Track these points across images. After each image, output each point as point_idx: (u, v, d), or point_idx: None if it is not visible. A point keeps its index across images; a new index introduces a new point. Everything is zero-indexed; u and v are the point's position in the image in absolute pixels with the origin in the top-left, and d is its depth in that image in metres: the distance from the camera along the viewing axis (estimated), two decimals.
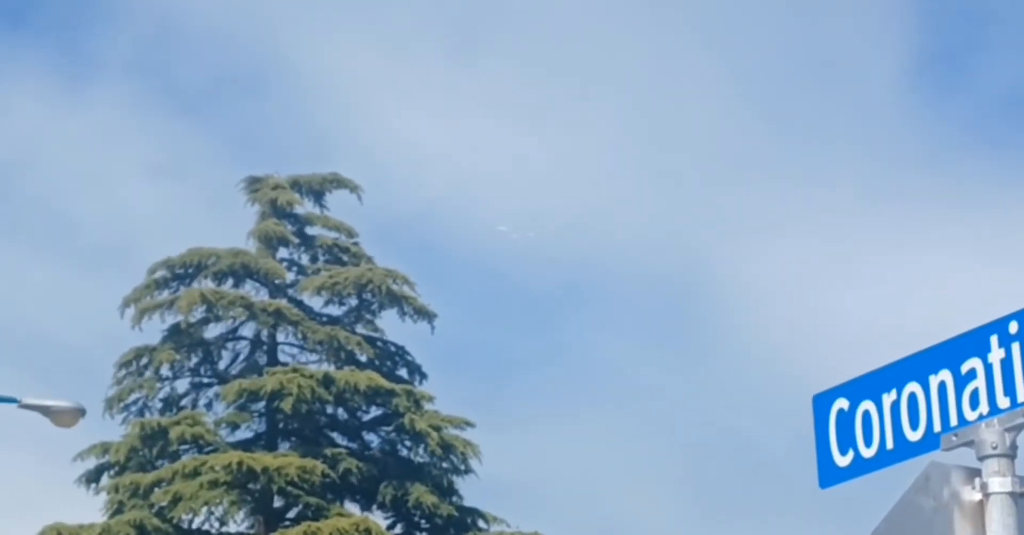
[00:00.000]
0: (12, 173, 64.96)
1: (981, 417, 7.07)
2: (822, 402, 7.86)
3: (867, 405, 7.60)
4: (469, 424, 37.55)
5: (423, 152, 65.67)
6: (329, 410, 37.75)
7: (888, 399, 7.51)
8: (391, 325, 39.05)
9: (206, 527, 36.32)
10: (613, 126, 70.68)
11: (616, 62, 71.23)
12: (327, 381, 36.17)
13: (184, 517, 35.32)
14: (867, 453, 7.54)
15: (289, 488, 34.89)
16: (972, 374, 7.17)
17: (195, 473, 34.96)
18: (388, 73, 69.74)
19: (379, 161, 62.85)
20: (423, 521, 37.12)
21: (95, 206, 64.07)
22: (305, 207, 40.13)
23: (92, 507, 36.45)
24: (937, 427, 7.25)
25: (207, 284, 38.11)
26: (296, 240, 39.56)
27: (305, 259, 39.96)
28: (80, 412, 24.58)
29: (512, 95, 71.61)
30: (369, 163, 63.57)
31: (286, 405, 35.47)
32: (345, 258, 39.40)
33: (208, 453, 35.91)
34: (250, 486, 35.54)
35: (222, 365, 38.93)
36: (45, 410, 23.89)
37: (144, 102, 71.60)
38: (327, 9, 72.89)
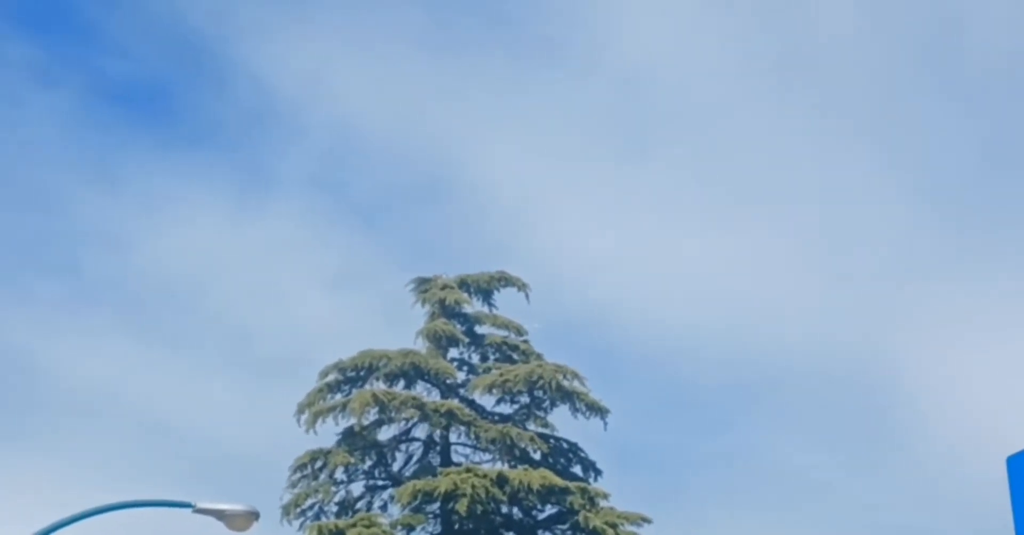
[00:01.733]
0: (192, 288, 66.29)
1: None
2: (1017, 463, 7.44)
3: None
4: (646, 520, 36.92)
5: (592, 254, 65.77)
6: (504, 509, 37.39)
7: None
8: (563, 422, 38.75)
9: None
10: (780, 227, 70.19)
11: (782, 163, 70.87)
12: (501, 480, 35.88)
13: None
14: None
15: None
16: None
17: None
18: (557, 178, 70.29)
19: (549, 263, 62.96)
20: None
21: (271, 318, 64.98)
22: (473, 306, 40.13)
23: None
24: None
25: (379, 386, 38.16)
26: (466, 339, 39.49)
27: (475, 358, 39.86)
28: (254, 515, 24.47)
29: (680, 197, 71.57)
30: (539, 266, 63.75)
31: (460, 506, 35.23)
32: (515, 356, 39.22)
33: None
34: None
35: (396, 467, 38.86)
36: (219, 514, 23.83)
37: (320, 215, 72.83)
38: (497, 120, 73.75)
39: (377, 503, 38.42)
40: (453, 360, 39.41)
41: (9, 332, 64.77)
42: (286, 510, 37.57)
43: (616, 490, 37.76)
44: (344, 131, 72.86)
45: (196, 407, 58.36)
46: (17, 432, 61.99)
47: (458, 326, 39.60)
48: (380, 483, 38.73)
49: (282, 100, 73.90)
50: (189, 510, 23.19)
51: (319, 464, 37.89)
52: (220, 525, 24.21)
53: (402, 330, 39.61)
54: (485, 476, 35.87)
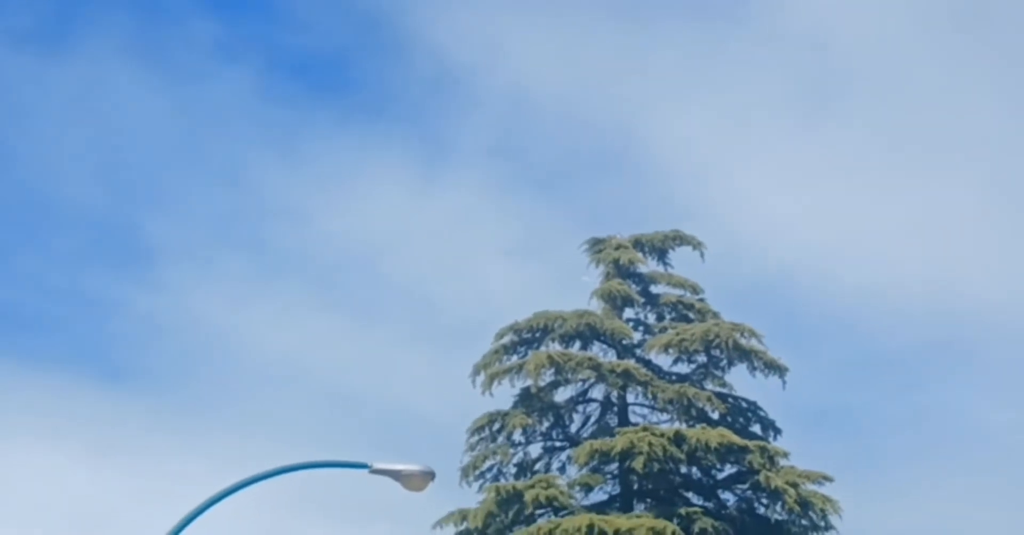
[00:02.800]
0: (376, 259, 66.96)
1: None
2: None
3: None
4: (827, 479, 36.36)
5: (775, 215, 65.05)
6: (682, 469, 37.12)
7: None
8: (741, 381, 38.35)
9: None
10: (970, 186, 68.66)
11: (966, 119, 69.30)
12: (678, 439, 35.63)
13: None
14: None
15: None
16: None
17: None
18: (739, 141, 69.62)
19: (730, 225, 62.35)
20: None
21: (455, 287, 65.38)
22: (648, 266, 39.85)
23: None
24: None
25: (554, 347, 38.09)
26: (641, 299, 39.24)
27: (651, 318, 39.58)
28: (430, 475, 24.50)
29: (863, 156, 70.44)
30: (720, 228, 63.20)
31: (637, 464, 35.06)
32: (691, 315, 38.86)
33: (563, 516, 35.70)
34: None
35: (573, 428, 38.79)
36: (395, 474, 23.89)
37: (500, 183, 73.03)
38: (679, 83, 73.29)
39: (555, 464, 38.43)
40: (628, 320, 39.18)
41: (202, 307, 66.14)
42: (465, 472, 37.72)
43: (796, 450, 37.27)
44: (523, 99, 73.02)
45: (381, 376, 59.17)
46: (210, 401, 63.44)
47: (633, 286, 39.37)
48: (558, 444, 38.70)
49: (460, 69, 74.26)
50: (365, 471, 23.28)
51: (497, 426, 37.94)
52: (397, 486, 24.32)
53: (577, 292, 39.57)
54: (662, 435, 35.64)
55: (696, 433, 35.71)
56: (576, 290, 39.36)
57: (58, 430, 59.94)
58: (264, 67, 76.26)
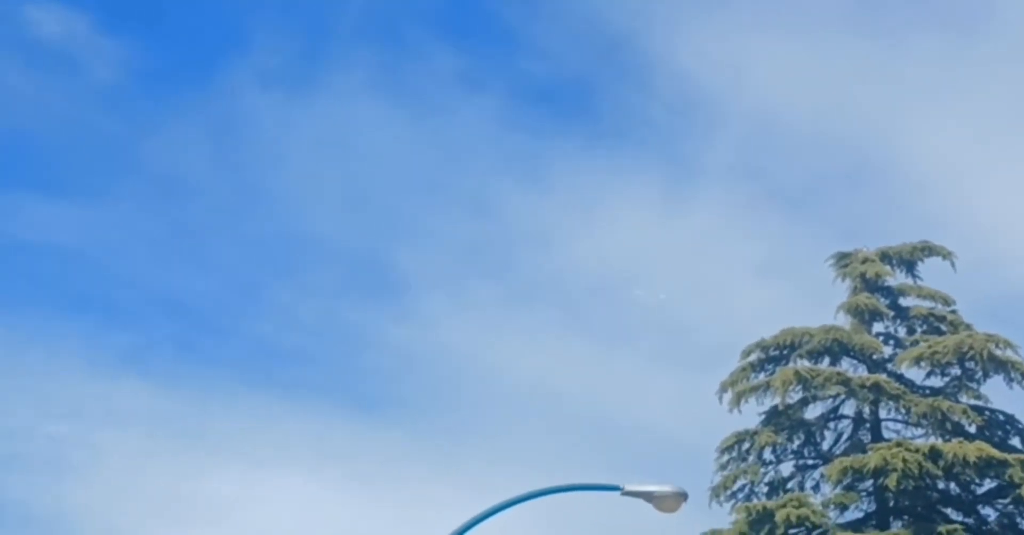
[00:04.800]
0: (623, 284, 67.03)
1: None
2: None
3: None
4: None
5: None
6: (940, 485, 36.25)
7: None
8: (997, 393, 37.33)
9: None
10: None
11: None
12: (934, 454, 34.81)
13: None
14: None
15: None
16: None
17: None
18: (992, 151, 68.22)
19: (985, 238, 60.88)
20: None
21: (702, 308, 65.08)
22: (896, 278, 39.09)
23: None
24: None
25: (802, 363, 37.59)
26: (890, 312, 38.49)
27: (901, 331, 38.77)
28: (682, 496, 24.35)
29: None
30: (974, 241, 61.78)
31: (891, 482, 34.36)
32: (943, 327, 37.97)
33: None
34: None
35: (825, 445, 38.17)
36: (648, 496, 23.80)
37: (747, 203, 72.57)
38: (928, 95, 72.10)
39: (808, 483, 37.85)
40: (878, 334, 38.45)
41: (453, 335, 67.00)
42: (715, 492, 37.41)
43: None
44: (766, 118, 72.48)
45: (629, 398, 59.00)
46: (462, 429, 64.18)
47: (881, 299, 38.64)
48: (810, 462, 38.12)
49: (703, 91, 73.97)
50: (617, 493, 23.23)
51: (745, 445, 37.55)
52: (648, 508, 24.21)
53: (824, 308, 39.01)
54: (917, 450, 34.86)
55: (953, 448, 34.84)
56: (824, 307, 38.83)
57: (316, 460, 61.26)
58: (507, 95, 77.00)
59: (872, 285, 38.69)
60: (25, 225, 70.63)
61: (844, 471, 35.24)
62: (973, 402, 36.94)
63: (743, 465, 37.55)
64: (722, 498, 37.35)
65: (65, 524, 60.62)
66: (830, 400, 37.80)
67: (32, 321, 69.03)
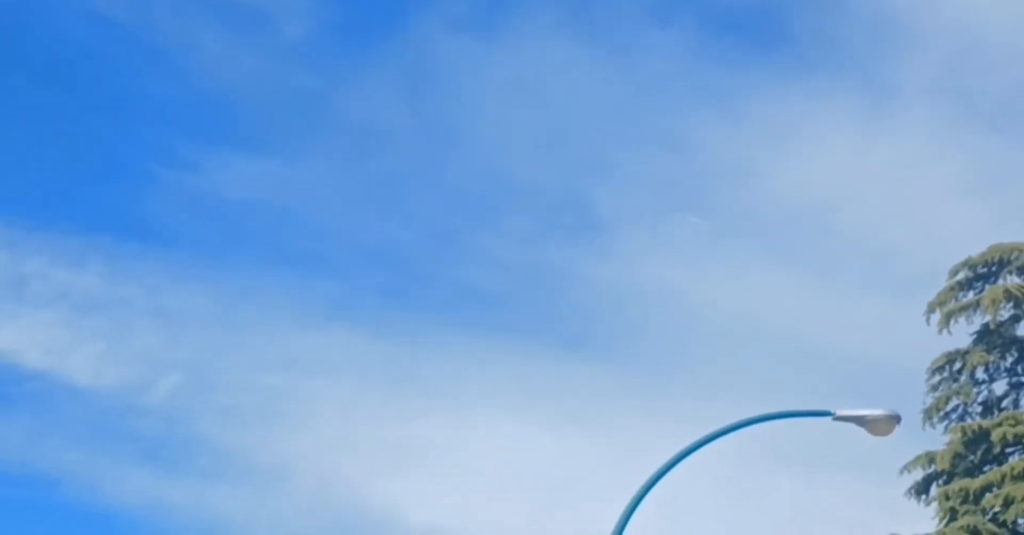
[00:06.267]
0: (824, 212, 66.37)
1: None
2: None
3: None
4: None
5: None
6: None
7: None
8: None
9: None
10: None
11: None
12: None
13: (1020, 521, 34.15)
14: None
15: None
16: None
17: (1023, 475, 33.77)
18: None
19: None
20: None
21: (907, 232, 64.21)
22: None
23: (924, 517, 36.11)
24: None
25: (1012, 280, 36.87)
26: None
27: None
28: (895, 419, 24.11)
29: None
30: None
31: None
32: None
33: None
34: None
35: None
36: (860, 420, 23.62)
37: (948, 123, 71.13)
38: None
39: (1023, 400, 37.20)
40: None
41: (654, 272, 67.05)
42: (928, 414, 36.95)
43: None
44: (966, 33, 70.68)
45: (837, 326, 58.52)
46: (668, 364, 64.33)
47: None
48: None
49: (900, 8, 72.34)
50: (829, 418, 23.09)
51: (957, 365, 37.01)
52: (861, 432, 24.01)
53: None
54: None
55: None
56: None
57: (522, 401, 61.87)
58: (697, 26, 76.13)
59: None
60: (231, 183, 72.17)
61: None
62: None
63: (955, 386, 37.02)
64: (935, 420, 36.90)
65: (283, 473, 62.23)
66: None
67: (242, 277, 70.72)
